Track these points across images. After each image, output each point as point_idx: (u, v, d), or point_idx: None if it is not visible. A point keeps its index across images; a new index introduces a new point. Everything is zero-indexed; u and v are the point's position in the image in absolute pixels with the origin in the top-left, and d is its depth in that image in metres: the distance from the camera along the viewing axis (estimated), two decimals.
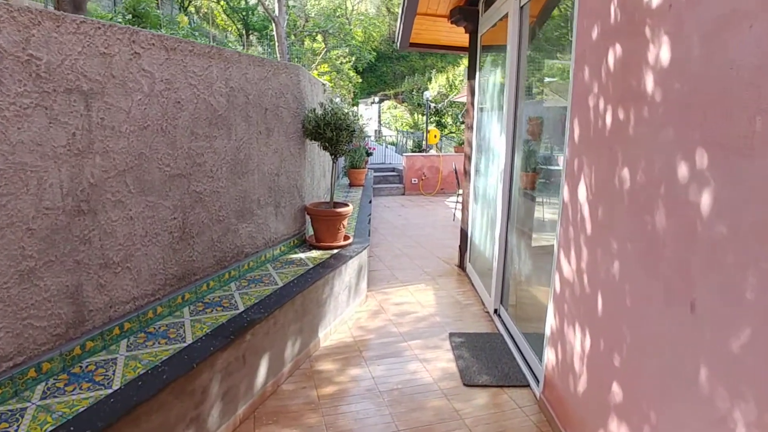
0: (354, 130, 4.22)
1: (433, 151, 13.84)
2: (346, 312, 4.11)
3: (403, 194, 11.81)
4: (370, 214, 6.04)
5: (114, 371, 2.28)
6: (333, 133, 4.09)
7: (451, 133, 20.71)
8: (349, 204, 4.46)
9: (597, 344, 2.25)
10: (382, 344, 3.73)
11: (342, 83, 7.13)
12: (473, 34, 5.07)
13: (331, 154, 4.29)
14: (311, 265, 3.78)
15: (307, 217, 4.58)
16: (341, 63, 7.62)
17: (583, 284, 2.39)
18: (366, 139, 13.75)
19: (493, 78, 4.66)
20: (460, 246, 5.79)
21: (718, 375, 1.45)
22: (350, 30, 14.49)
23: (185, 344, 2.54)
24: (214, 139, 3.11)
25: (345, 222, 4.36)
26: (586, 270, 2.36)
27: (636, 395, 1.91)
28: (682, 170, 1.64)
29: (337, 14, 14.11)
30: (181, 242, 2.93)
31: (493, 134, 4.52)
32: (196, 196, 3.00)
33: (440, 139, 14.04)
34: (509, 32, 3.77)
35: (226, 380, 2.59)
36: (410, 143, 16.22)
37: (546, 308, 2.96)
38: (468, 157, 5.42)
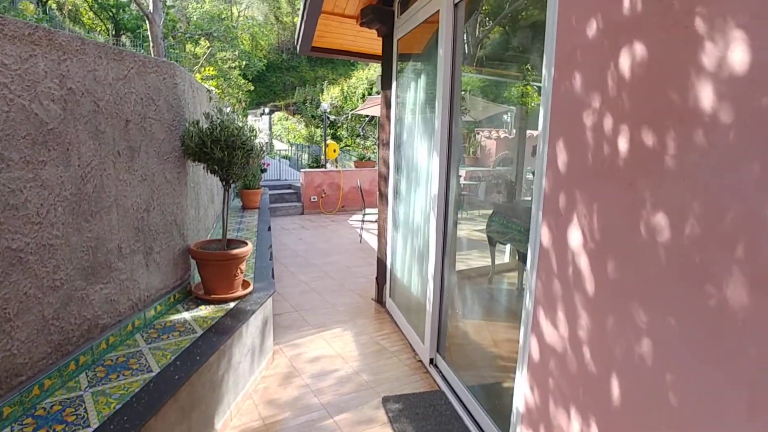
0: (251, 149, 3.34)
1: (329, 166, 13.12)
2: (250, 382, 3.19)
3: (302, 214, 10.90)
4: (271, 246, 5.12)
5: None
6: (224, 153, 3.17)
7: (347, 146, 20.20)
8: (248, 242, 3.55)
9: None
10: (302, 426, 2.88)
11: (231, 91, 6.10)
12: (388, 38, 4.46)
13: (221, 180, 3.36)
14: (200, 331, 2.83)
15: (193, 262, 3.58)
16: (229, 68, 6.61)
17: (583, 360, 1.82)
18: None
19: (416, 88, 4.07)
20: (377, 278, 5.11)
21: None
22: (237, 35, 13.27)
23: None
24: (41, 166, 2.07)
25: (243, 265, 3.44)
26: (589, 342, 1.79)
27: None
28: None
29: (223, 17, 12.74)
30: None
31: (419, 153, 3.93)
32: (11, 257, 1.94)
33: (338, 153, 13.37)
34: (441, 35, 3.19)
35: None
36: (306, 157, 15.36)
37: (496, 355, 2.39)
38: (384, 178, 4.78)
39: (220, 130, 3.23)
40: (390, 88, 4.53)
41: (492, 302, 4.38)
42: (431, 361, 3.57)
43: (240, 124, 3.32)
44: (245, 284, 3.57)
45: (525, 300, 2.23)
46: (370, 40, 5.33)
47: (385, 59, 4.57)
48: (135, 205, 2.73)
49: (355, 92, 24.88)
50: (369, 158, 12.12)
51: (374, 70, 28.42)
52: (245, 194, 7.37)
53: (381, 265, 4.97)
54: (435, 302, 3.48)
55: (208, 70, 4.86)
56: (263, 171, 10.72)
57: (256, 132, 3.42)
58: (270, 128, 24.88)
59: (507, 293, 4.51)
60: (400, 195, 4.43)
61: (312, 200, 10.98)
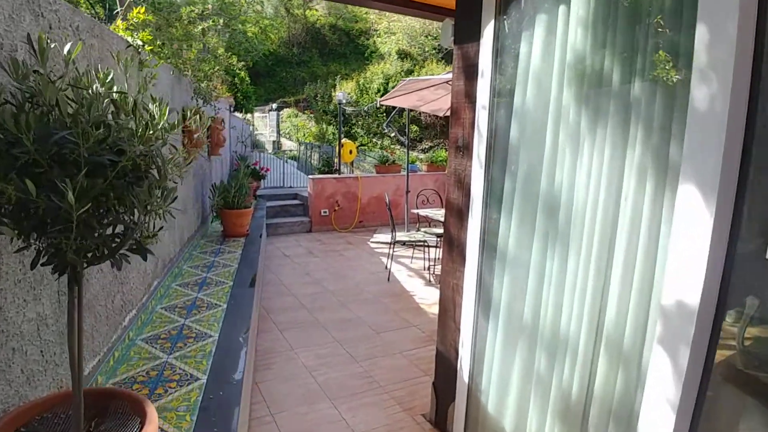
0: (139, 170, 1.13)
1: (345, 171, 10.94)
2: None
3: (310, 231, 8.70)
4: (247, 332, 2.82)
5: None
6: (32, 181, 0.97)
7: (363, 146, 18.01)
8: (150, 413, 1.34)
9: None
10: None
11: (202, 66, 4.12)
12: None
13: (53, 265, 1.15)
14: None
15: None
16: (203, 31, 4.63)
17: None
18: (247, 150, 10.21)
19: (573, 33, 1.83)
20: (435, 385, 2.88)
21: None
22: (237, 13, 10.93)
23: None
24: None
25: None
26: None
27: None
28: None
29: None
30: None
31: (594, 177, 1.69)
32: None
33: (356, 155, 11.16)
34: None
35: None
36: (316, 158, 13.22)
37: None
38: (458, 212, 2.55)
39: (31, 108, 1.02)
40: (477, 39, 2.29)
41: None
42: None
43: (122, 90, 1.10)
44: None
45: None
46: None
47: None
48: None
49: (370, 86, 22.78)
50: (393, 161, 9.89)
51: (391, 64, 26.23)
52: (227, 216, 5.16)
53: (446, 366, 2.74)
54: None
55: (137, 12, 2.95)
56: (260, 178, 8.57)
57: (159, 117, 1.18)
58: (278, 125, 22.85)
59: None
60: (504, 253, 2.18)
61: (323, 214, 8.78)
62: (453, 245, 2.60)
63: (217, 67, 4.54)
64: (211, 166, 6.10)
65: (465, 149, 2.45)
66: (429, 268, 6.26)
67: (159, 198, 1.11)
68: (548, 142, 1.87)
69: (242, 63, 9.65)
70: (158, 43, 2.77)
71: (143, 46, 2.54)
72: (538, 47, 1.95)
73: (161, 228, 1.31)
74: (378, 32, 30.52)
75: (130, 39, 2.48)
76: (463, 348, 2.51)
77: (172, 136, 1.33)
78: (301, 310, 4.78)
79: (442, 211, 6.51)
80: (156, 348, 2.51)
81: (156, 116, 1.10)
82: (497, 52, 2.20)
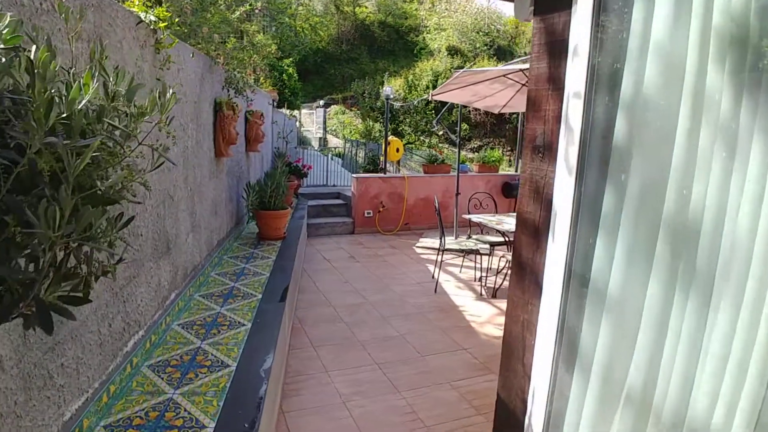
0: None
1: (391, 170, 10.48)
2: None
3: (353, 233, 8.30)
4: (266, 386, 2.32)
5: None
6: None
7: (410, 144, 17.54)
8: None
9: None
10: None
11: (239, 54, 3.83)
12: None
13: None
14: None
15: None
16: (239, 18, 4.35)
17: None
18: (288, 145, 9.92)
19: None
20: None
21: None
22: (290, 14, 10.59)
23: None
24: None
25: None
26: None
27: None
28: None
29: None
30: None
31: None
32: None
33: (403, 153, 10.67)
34: None
35: None
36: (361, 155, 12.85)
37: None
38: (536, 229, 2.01)
39: None
40: (567, 6, 1.75)
41: None
42: None
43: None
44: None
45: None
46: None
47: None
48: None
49: (419, 83, 22.25)
50: (442, 161, 9.33)
51: (440, 60, 25.55)
52: (263, 217, 4.80)
53: (508, 417, 2.22)
54: None
55: None
56: (302, 176, 8.24)
57: (75, 90, 0.75)
58: (324, 122, 22.73)
59: None
60: (601, 290, 1.63)
61: (366, 215, 8.36)
62: (525, 271, 2.07)
63: (255, 56, 4.20)
64: (249, 163, 5.78)
65: (546, 150, 1.91)
66: (481, 280, 5.69)
67: (70, 225, 0.67)
68: (680, 142, 1.32)
69: (290, 59, 9.38)
70: (176, 20, 2.40)
71: (157, 22, 2.17)
72: (663, 9, 1.40)
73: (119, 260, 0.88)
74: (428, 28, 29.89)
75: (142, 15, 2.11)
76: (534, 402, 1.98)
77: (182, 133, 0.90)
78: (339, 323, 4.36)
79: (497, 217, 5.92)
80: (162, 379, 2.13)
81: (75, 87, 0.67)
82: (597, 21, 1.66)
